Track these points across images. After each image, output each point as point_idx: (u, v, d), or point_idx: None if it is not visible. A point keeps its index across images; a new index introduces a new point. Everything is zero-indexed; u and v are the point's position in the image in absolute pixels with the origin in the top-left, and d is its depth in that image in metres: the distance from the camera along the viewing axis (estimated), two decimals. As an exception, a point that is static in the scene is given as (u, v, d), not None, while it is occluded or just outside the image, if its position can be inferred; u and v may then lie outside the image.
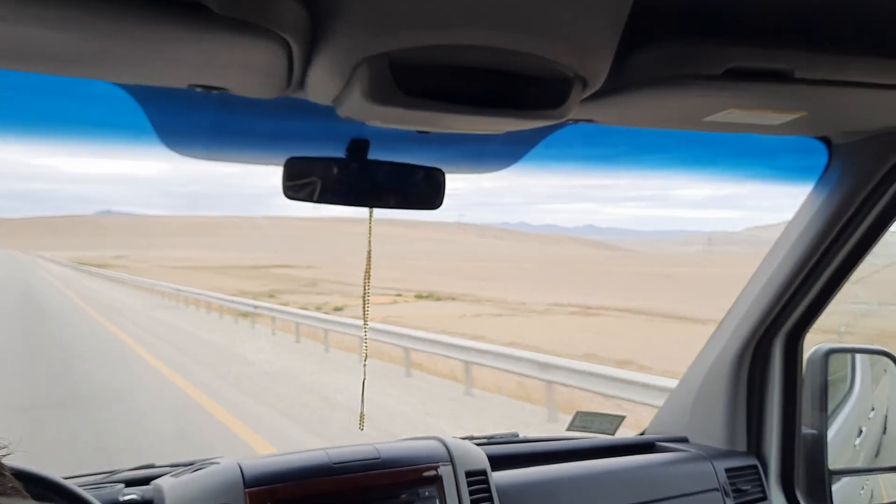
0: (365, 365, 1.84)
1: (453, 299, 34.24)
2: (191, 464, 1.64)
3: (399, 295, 35.54)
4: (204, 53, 0.92)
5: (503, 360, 9.89)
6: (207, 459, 1.64)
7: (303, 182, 1.45)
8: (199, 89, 1.11)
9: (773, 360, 2.07)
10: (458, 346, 10.94)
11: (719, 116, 1.26)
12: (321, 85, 1.07)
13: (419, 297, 35.01)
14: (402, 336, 12.61)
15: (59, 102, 1.33)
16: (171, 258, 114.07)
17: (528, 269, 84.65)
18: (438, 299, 34.10)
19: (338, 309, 25.30)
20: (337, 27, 0.87)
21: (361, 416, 1.86)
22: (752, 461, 2.08)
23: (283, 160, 1.44)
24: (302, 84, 1.08)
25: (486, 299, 34.29)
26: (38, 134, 1.48)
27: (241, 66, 0.99)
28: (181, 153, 1.58)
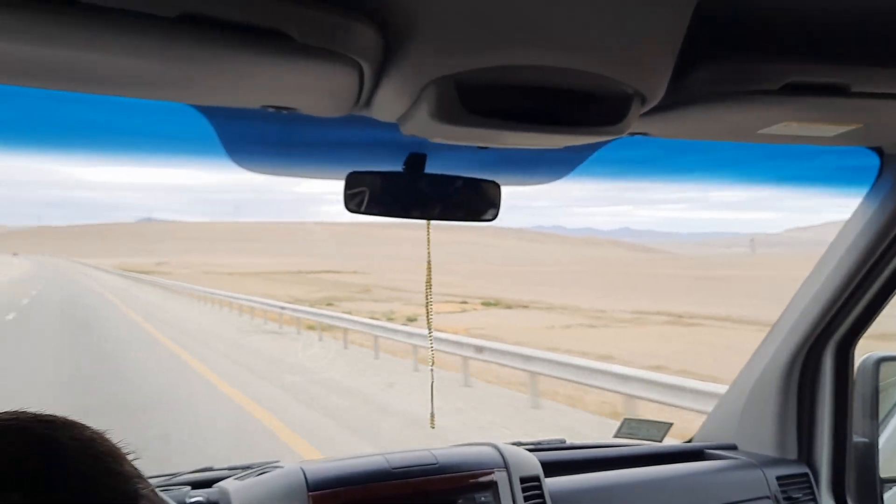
0: (432, 370, 1.99)
1: (525, 307, 31.80)
2: (248, 467, 1.70)
3: (464, 302, 33.21)
4: (281, 77, 0.98)
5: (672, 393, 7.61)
6: (266, 463, 1.71)
7: (363, 195, 1.48)
8: (270, 109, 1.16)
9: (823, 367, 2.09)
10: (617, 374, 8.58)
11: (774, 129, 1.27)
12: (387, 104, 1.10)
13: (487, 304, 32.60)
14: (525, 358, 10.34)
15: (131, 118, 1.39)
16: (213, 264, 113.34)
17: (575, 273, 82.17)
18: (509, 307, 31.67)
19: (411, 319, 23.03)
20: (407, 51, 0.91)
21: (432, 416, 1.92)
22: (803, 469, 2.09)
23: (343, 174, 1.48)
24: (368, 103, 1.12)
25: (560, 307, 31.77)
26: (105, 148, 1.57)
27: (314, 88, 1.04)
28: (247, 168, 1.65)
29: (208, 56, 0.88)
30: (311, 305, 25.71)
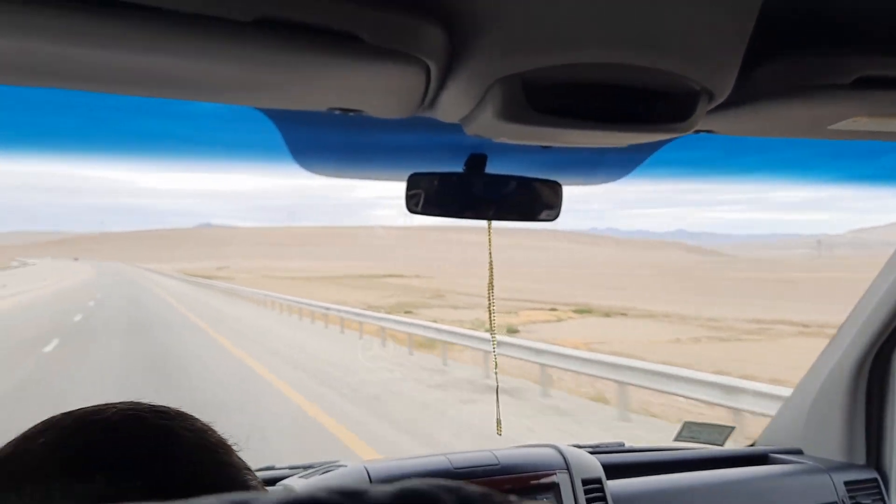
0: (496, 373, 1.96)
1: (623, 315, 28.95)
2: (310, 466, 1.75)
3: (553, 309, 30.54)
4: (349, 79, 0.98)
5: None
6: (328, 462, 1.76)
7: (424, 196, 1.49)
8: (337, 112, 1.16)
9: (892, 370, 2.08)
10: None
11: (844, 125, 1.25)
12: (452, 104, 1.11)
13: (580, 311, 29.84)
14: (704, 385, 8.11)
15: (199, 124, 1.41)
16: (273, 268, 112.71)
17: (641, 276, 78.89)
18: (607, 315, 28.86)
19: (512, 331, 20.52)
20: (473, 50, 0.91)
21: (498, 422, 1.86)
22: (872, 474, 2.06)
23: (404, 175, 1.49)
24: (433, 103, 1.12)
25: (662, 315, 28.86)
26: (172, 155, 1.62)
27: (382, 90, 1.04)
28: (312, 171, 1.70)
29: (281, 59, 0.89)
30: (388, 312, 23.51)
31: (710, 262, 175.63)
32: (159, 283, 54.63)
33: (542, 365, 11.01)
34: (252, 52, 0.85)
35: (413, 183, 1.50)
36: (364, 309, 23.49)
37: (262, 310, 28.43)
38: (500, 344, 12.62)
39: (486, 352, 12.75)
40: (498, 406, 1.86)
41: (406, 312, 27.19)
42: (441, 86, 1.02)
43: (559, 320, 26.22)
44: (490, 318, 1.79)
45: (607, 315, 28.74)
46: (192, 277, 64.36)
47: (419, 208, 1.49)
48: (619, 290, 48.40)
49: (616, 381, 9.47)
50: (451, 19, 0.86)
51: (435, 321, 18.47)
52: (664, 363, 10.13)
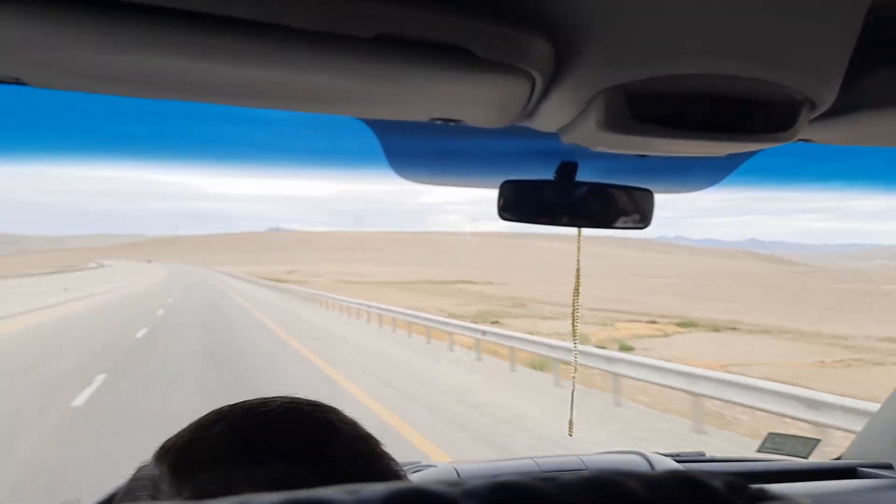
0: (574, 377, 1.95)
1: (733, 329, 26.48)
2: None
3: (653, 322, 28.26)
4: (457, 91, 1.00)
5: None
6: (415, 462, 1.81)
7: (517, 203, 1.51)
8: (438, 122, 1.18)
9: None
10: None
11: None
12: (552, 114, 1.12)
13: (682, 325, 27.49)
14: None
15: (297, 132, 1.47)
16: (343, 272, 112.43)
17: (721, 285, 75.29)
18: (716, 329, 26.44)
19: (626, 347, 18.51)
20: (578, 62, 0.93)
21: (570, 423, 1.96)
22: None
23: (495, 182, 1.51)
24: (532, 113, 1.13)
25: (777, 330, 26.27)
26: (271, 162, 1.69)
27: (486, 101, 1.06)
28: (407, 178, 1.72)
29: (396, 73, 0.92)
30: (474, 321, 21.77)
31: (788, 271, 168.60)
32: (234, 286, 53.90)
33: (697, 395, 9.08)
34: (370, 67, 0.89)
35: (505, 190, 1.51)
36: (447, 317, 21.84)
37: (345, 318, 26.92)
38: (620, 362, 10.87)
39: (615, 374, 10.90)
40: (572, 407, 1.96)
41: (493, 322, 25.40)
42: (543, 96, 1.04)
43: (666, 335, 24.01)
44: (573, 325, 1.83)
45: (716, 329, 26.34)
46: (265, 281, 63.99)
47: (510, 215, 1.51)
48: (711, 301, 45.59)
49: (813, 424, 7.50)
50: (558, 32, 0.88)
51: (532, 333, 16.60)
52: (853, 397, 8.04)
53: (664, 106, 1.01)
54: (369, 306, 25.96)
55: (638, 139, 1.07)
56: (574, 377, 1.95)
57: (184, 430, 0.57)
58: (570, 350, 12.21)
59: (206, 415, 0.59)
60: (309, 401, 0.61)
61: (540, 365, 13.68)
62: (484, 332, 17.13)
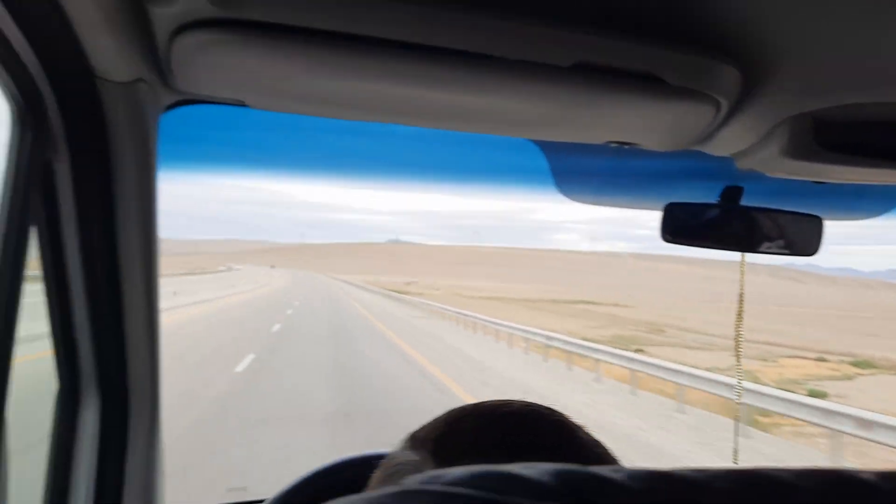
0: (739, 403, 2.11)
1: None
2: None
3: (821, 360, 24.68)
4: (641, 116, 1.01)
5: None
6: None
7: (681, 226, 1.49)
8: (613, 145, 1.18)
9: None
10: None
11: None
12: (730, 139, 1.12)
13: (858, 364, 23.80)
14: None
15: (467, 152, 1.53)
16: (461, 286, 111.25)
17: (867, 318, 68.37)
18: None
19: (818, 394, 15.60)
20: (767, 88, 0.93)
21: (735, 452, 1.88)
22: None
23: (658, 204, 1.49)
24: (709, 138, 1.12)
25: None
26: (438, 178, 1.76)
27: (668, 126, 1.05)
28: (572, 198, 1.72)
29: (585, 99, 0.94)
30: (613, 347, 19.27)
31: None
32: (354, 295, 53.16)
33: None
34: (563, 93, 0.92)
35: (669, 212, 1.48)
36: (581, 340, 19.51)
37: (472, 334, 24.94)
38: (838, 415, 8.33)
39: (833, 431, 8.39)
40: (737, 435, 1.90)
41: (637, 350, 22.81)
42: (725, 122, 1.03)
43: (847, 377, 20.57)
44: (737, 358, 1.80)
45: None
46: (389, 291, 63.36)
47: (673, 237, 1.49)
48: (868, 337, 40.66)
49: None
50: (748, 59, 0.88)
51: (696, 367, 14.01)
52: None
53: (853, 133, 0.99)
54: (497, 324, 23.98)
55: (818, 166, 1.06)
56: (738, 402, 2.13)
57: (433, 424, 0.61)
58: (758, 394, 9.71)
59: (451, 411, 0.62)
60: (540, 404, 0.64)
61: (714, 407, 11.18)
62: (632, 360, 14.83)
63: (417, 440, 0.60)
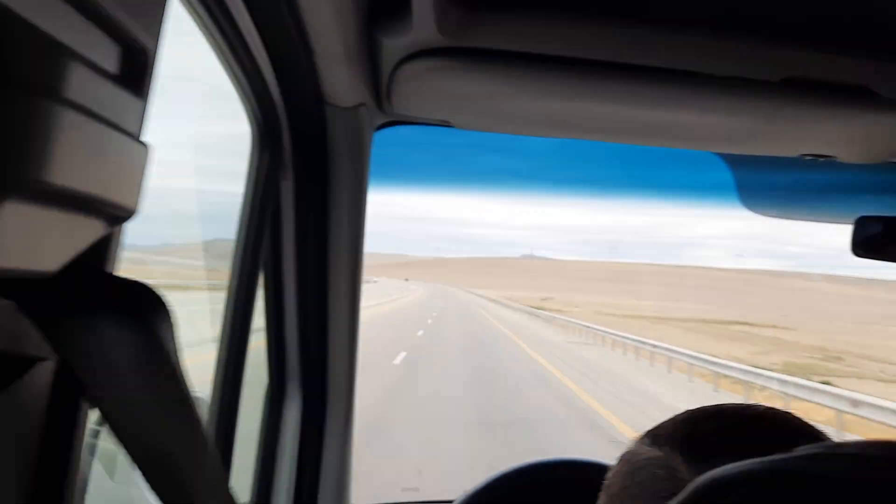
0: None
1: None
2: None
3: None
4: (846, 129, 1.01)
5: None
6: None
7: (875, 240, 1.44)
8: (807, 157, 1.18)
9: None
10: None
11: None
12: None
13: None
14: None
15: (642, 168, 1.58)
16: (600, 304, 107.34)
17: None
18: None
19: None
20: None
21: None
22: None
23: (848, 218, 1.47)
24: None
25: None
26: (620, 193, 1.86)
27: (873, 138, 1.04)
28: (755, 211, 1.71)
29: (791, 113, 0.94)
30: (808, 377, 16.59)
31: None
32: (501, 316, 50.83)
33: None
34: (770, 108, 0.93)
35: (861, 225, 1.42)
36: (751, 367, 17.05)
37: (635, 359, 22.70)
38: None
39: None
40: None
41: (822, 381, 19.78)
42: None
43: None
44: None
45: None
46: (530, 308, 61.43)
47: (866, 252, 1.44)
48: None
49: None
50: None
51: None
52: None
53: None
54: (654, 346, 21.71)
55: None
56: None
57: (675, 423, 0.63)
58: None
59: (692, 412, 0.64)
60: (780, 409, 0.65)
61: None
62: (838, 398, 12.33)
63: (660, 438, 0.61)
